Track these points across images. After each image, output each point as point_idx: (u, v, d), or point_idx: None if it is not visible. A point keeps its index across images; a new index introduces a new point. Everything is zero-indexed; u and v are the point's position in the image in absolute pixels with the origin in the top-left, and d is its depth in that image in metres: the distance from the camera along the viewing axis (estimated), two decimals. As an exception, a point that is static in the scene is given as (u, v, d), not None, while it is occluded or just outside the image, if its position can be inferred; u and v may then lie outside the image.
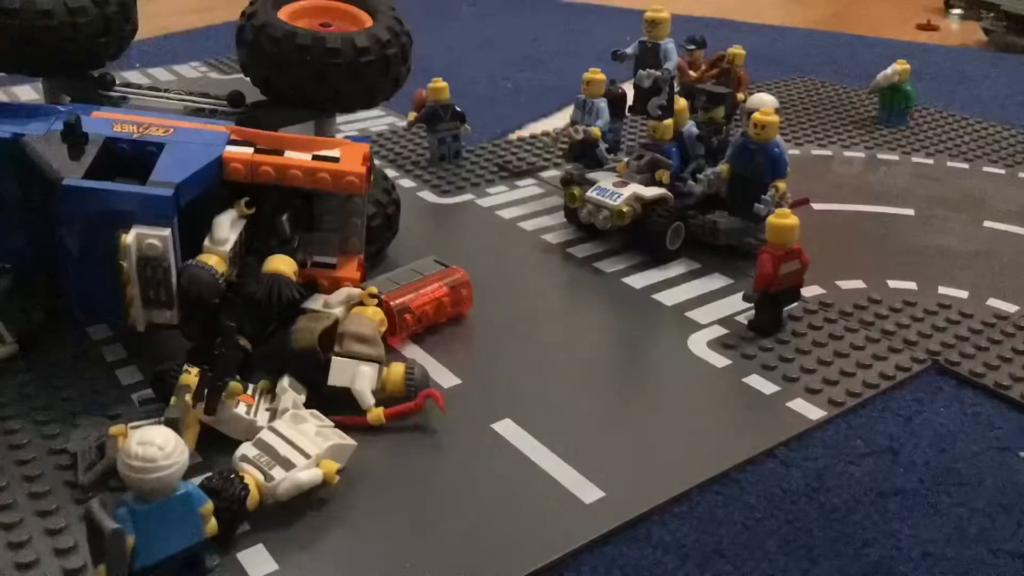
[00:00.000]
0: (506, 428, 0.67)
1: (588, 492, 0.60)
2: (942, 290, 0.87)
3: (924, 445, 0.67)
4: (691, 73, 1.36)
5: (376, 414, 0.65)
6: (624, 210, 0.89)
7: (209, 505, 0.50)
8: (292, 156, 0.72)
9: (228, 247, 0.68)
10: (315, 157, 0.72)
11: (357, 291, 0.72)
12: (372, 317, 0.70)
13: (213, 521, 0.50)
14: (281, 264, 0.69)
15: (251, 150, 0.72)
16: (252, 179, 0.71)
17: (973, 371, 0.74)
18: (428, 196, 1.08)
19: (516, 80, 1.56)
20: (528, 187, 1.11)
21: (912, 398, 0.72)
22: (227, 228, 0.69)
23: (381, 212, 0.86)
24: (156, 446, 0.46)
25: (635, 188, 0.91)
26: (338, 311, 0.70)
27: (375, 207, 0.85)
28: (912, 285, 0.88)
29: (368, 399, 0.65)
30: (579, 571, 0.55)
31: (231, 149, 0.71)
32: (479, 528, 0.58)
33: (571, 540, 0.56)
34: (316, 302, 0.71)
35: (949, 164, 1.21)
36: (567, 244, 0.96)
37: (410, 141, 1.24)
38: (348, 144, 0.75)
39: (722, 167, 0.89)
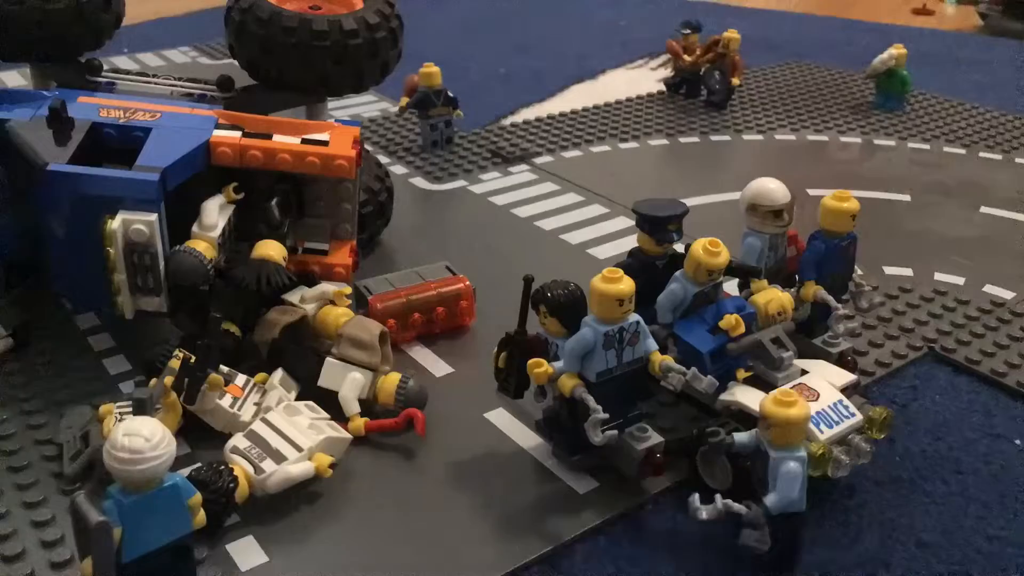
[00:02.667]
0: (499, 417, 0.66)
1: (582, 482, 0.60)
2: (938, 276, 0.87)
3: (920, 433, 0.66)
4: (685, 57, 1.36)
5: (357, 424, 0.62)
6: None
7: (197, 497, 0.49)
8: (281, 140, 0.71)
9: (216, 233, 0.67)
10: (304, 141, 0.71)
11: (332, 289, 0.69)
12: (337, 319, 0.66)
13: (202, 513, 0.50)
14: (270, 249, 0.68)
15: (239, 134, 0.71)
16: (240, 163, 0.70)
17: (969, 358, 0.74)
18: (420, 182, 1.07)
19: (509, 65, 1.54)
20: (521, 173, 1.10)
21: (908, 386, 0.72)
22: (215, 214, 0.68)
23: (373, 199, 0.85)
24: (143, 437, 0.45)
25: (825, 380, 0.60)
26: (310, 307, 0.68)
27: (366, 194, 0.84)
28: (908, 271, 0.88)
29: (352, 407, 0.63)
30: (572, 561, 0.54)
31: (219, 133, 0.70)
32: (472, 519, 0.57)
33: (565, 531, 0.56)
34: (294, 295, 0.69)
35: (946, 150, 1.20)
36: (560, 231, 0.95)
37: (402, 127, 1.22)
38: (338, 127, 0.74)
39: (809, 288, 0.67)
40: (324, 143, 0.71)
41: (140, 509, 0.46)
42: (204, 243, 0.66)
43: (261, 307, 0.69)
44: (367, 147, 1.08)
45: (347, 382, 0.64)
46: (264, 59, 0.81)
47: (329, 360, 0.65)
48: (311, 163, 0.70)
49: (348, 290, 0.69)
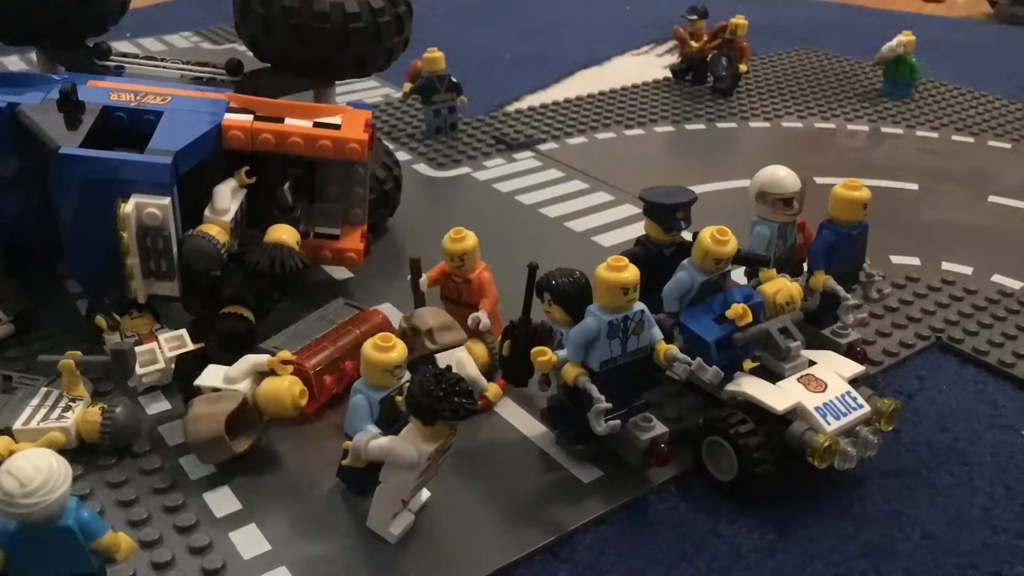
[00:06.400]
0: (503, 406, 0.66)
1: (587, 472, 0.59)
2: (946, 266, 0.86)
3: (926, 424, 0.66)
4: (692, 44, 1.34)
5: (495, 391, 0.65)
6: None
7: (107, 537, 0.44)
8: (293, 123, 0.70)
9: (229, 217, 0.67)
10: (316, 124, 0.71)
11: (264, 359, 0.60)
12: (290, 389, 0.58)
13: (126, 544, 0.45)
14: (283, 233, 0.67)
15: (251, 118, 0.70)
16: (252, 147, 0.70)
17: (976, 349, 0.73)
18: (424, 169, 1.06)
19: (513, 51, 1.53)
20: (525, 160, 1.09)
21: (914, 376, 0.71)
22: (228, 198, 0.67)
23: (378, 188, 0.85)
24: (18, 481, 0.40)
25: (832, 371, 0.60)
26: (243, 386, 0.59)
27: (372, 181, 0.83)
28: (915, 261, 0.87)
29: (483, 381, 0.64)
30: (574, 550, 0.54)
31: (230, 117, 0.70)
32: (475, 507, 0.57)
33: (569, 520, 0.56)
34: (215, 377, 0.60)
35: (954, 138, 1.19)
36: (565, 218, 0.95)
37: (405, 113, 1.22)
38: (350, 111, 0.74)
39: (818, 277, 0.66)
40: (336, 126, 0.71)
41: (27, 540, 0.43)
42: (217, 227, 0.66)
43: (274, 291, 0.69)
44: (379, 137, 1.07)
45: (463, 364, 0.62)
46: (265, 39, 0.81)
47: (440, 356, 0.63)
48: (323, 147, 0.70)
49: (287, 354, 0.60)
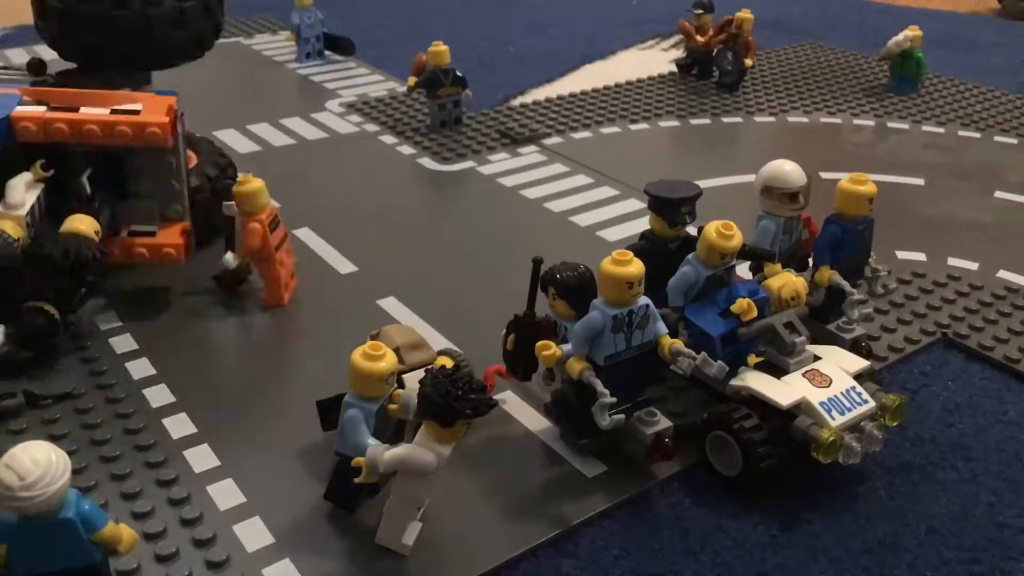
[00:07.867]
0: (507, 400, 0.66)
1: (590, 466, 0.59)
2: (951, 262, 0.86)
3: (931, 419, 0.66)
4: (698, 38, 1.34)
5: None
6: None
7: (109, 529, 0.44)
8: (88, 111, 0.69)
9: (23, 211, 0.65)
10: (114, 111, 0.69)
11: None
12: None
13: (128, 536, 0.45)
14: (80, 224, 0.66)
15: (44, 108, 0.68)
16: (46, 138, 0.68)
17: (982, 344, 0.73)
18: (428, 163, 1.06)
19: (518, 44, 1.53)
20: (530, 154, 1.09)
21: (919, 372, 0.71)
22: (21, 192, 0.66)
23: (209, 187, 0.80)
24: (16, 474, 0.40)
25: (837, 366, 0.60)
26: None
27: (202, 180, 0.79)
28: (921, 256, 0.87)
29: None
30: (578, 544, 0.54)
31: (21, 109, 0.68)
32: (479, 501, 0.57)
33: (572, 515, 0.56)
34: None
35: (960, 133, 1.19)
36: (570, 213, 0.94)
37: (410, 107, 1.22)
38: (152, 97, 0.72)
39: (823, 272, 0.66)
40: (136, 112, 0.69)
41: (28, 534, 0.43)
42: (10, 222, 0.64)
43: (80, 286, 0.67)
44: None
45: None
46: (65, 36, 0.77)
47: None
48: (122, 132, 0.68)
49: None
